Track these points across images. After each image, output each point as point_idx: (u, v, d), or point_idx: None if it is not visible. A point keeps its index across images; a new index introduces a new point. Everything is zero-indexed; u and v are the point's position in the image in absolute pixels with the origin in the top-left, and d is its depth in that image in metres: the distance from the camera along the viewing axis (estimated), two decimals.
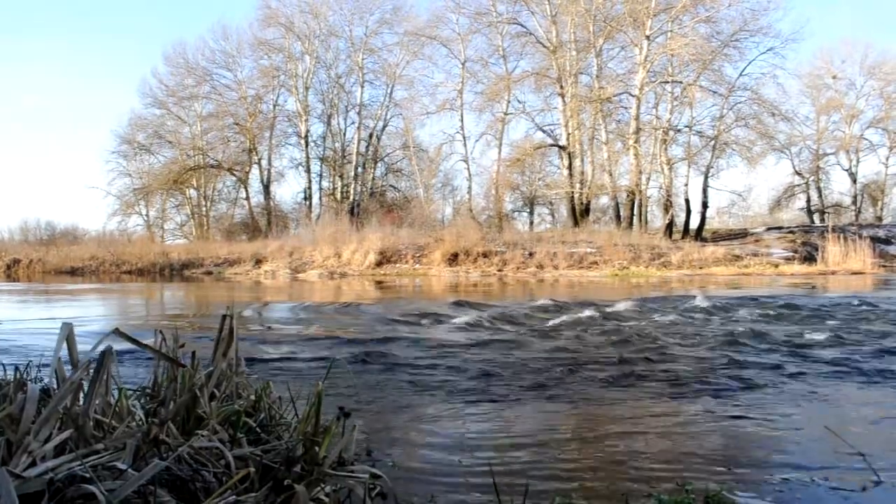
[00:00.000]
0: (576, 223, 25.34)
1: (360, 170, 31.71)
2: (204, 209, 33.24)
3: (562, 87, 26.46)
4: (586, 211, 26.19)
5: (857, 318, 6.21)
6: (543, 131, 28.73)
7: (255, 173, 32.29)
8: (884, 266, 19.98)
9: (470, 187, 29.65)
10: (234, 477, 1.27)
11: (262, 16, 31.09)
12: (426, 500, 1.65)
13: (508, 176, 28.97)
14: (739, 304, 7.61)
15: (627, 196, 25.56)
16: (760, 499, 1.71)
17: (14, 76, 45.88)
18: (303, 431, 1.44)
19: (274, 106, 32.12)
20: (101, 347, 1.47)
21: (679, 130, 26.62)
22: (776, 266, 19.60)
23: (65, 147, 51.02)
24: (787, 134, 30.37)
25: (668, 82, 25.65)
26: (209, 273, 20.70)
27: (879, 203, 33.23)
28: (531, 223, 32.76)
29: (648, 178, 25.66)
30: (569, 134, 26.42)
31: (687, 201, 26.72)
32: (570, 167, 26.56)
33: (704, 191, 26.78)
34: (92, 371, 1.43)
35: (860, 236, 21.38)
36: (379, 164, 33.23)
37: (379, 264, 20.31)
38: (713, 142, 25.84)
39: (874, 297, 8.54)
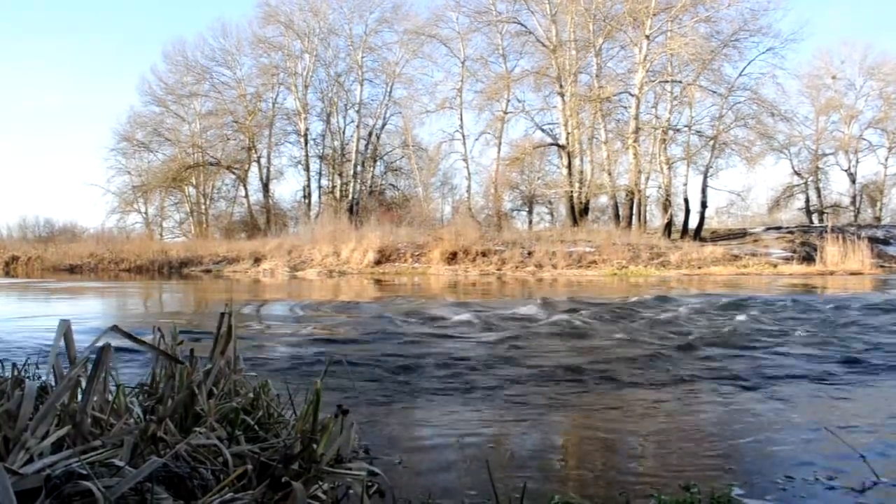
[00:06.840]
0: (575, 222, 25.34)
1: (359, 168, 31.69)
2: (203, 207, 33.19)
3: (561, 86, 26.45)
4: (585, 210, 26.19)
5: (858, 320, 6.21)
6: (543, 130, 28.74)
7: (254, 171, 32.33)
8: (882, 266, 20.02)
9: (469, 186, 29.67)
10: (232, 474, 1.27)
11: (262, 13, 31.10)
12: (423, 499, 1.65)
13: (507, 175, 28.97)
14: (740, 305, 7.61)
15: (626, 195, 25.56)
16: (764, 499, 1.71)
17: (14, 76, 45.85)
18: (301, 429, 1.44)
19: (273, 104, 32.13)
20: (99, 344, 1.47)
21: (678, 130, 26.65)
22: (775, 266, 19.62)
23: (63, 144, 51.05)
24: (787, 134, 30.41)
25: (667, 82, 25.65)
26: (208, 271, 20.67)
27: (878, 204, 33.29)
28: (530, 222, 32.81)
29: (647, 178, 25.68)
30: (568, 133, 26.41)
31: (686, 201, 26.76)
32: (569, 166, 26.56)
33: (703, 190, 26.82)
34: (90, 368, 1.42)
35: (859, 237, 21.41)
36: (378, 163, 33.23)
37: (378, 263, 20.30)
38: (712, 141, 25.85)
39: (881, 299, 8.50)
